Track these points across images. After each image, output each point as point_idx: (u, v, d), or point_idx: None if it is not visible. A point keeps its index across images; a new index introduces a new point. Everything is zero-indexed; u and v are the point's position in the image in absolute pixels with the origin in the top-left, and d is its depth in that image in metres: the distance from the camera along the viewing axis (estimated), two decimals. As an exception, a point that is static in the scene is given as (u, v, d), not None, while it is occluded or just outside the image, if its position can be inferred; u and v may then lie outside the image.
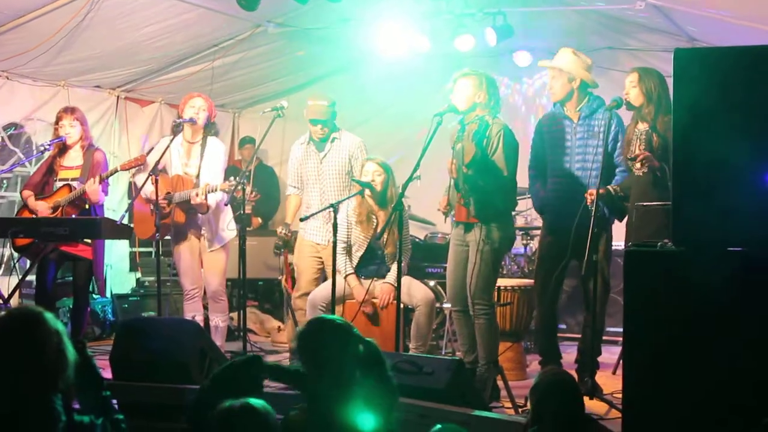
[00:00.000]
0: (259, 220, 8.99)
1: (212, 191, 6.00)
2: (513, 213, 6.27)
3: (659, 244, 3.71)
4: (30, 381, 2.57)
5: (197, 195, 5.98)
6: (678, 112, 3.54)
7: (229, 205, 6.27)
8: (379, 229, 6.03)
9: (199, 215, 6.23)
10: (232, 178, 6.02)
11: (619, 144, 5.58)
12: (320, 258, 6.44)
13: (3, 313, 3.16)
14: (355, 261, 6.19)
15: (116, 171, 6.25)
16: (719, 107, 3.42)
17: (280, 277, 7.90)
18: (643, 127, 5.50)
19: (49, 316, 2.68)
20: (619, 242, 6.86)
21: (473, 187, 5.20)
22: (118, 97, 8.60)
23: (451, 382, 4.04)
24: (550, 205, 5.75)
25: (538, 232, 7.44)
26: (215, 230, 6.30)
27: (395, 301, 5.63)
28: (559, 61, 5.65)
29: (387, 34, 7.67)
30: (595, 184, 5.27)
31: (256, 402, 2.83)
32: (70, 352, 2.70)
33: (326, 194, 6.38)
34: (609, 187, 5.45)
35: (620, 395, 5.01)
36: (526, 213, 7.85)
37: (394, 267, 5.98)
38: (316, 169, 6.45)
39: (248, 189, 5.92)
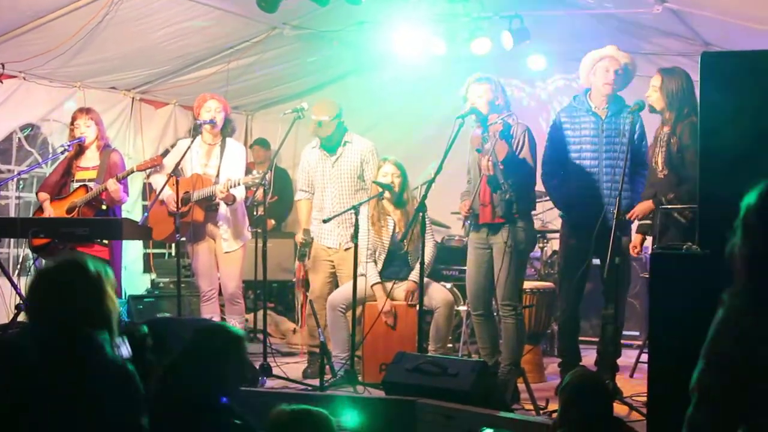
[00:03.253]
0: (273, 222, 8.98)
1: (234, 186, 6.01)
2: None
3: (684, 246, 3.73)
4: (75, 317, 2.72)
5: (220, 191, 5.99)
6: (704, 115, 3.55)
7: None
8: (395, 231, 6.05)
9: (219, 213, 6.24)
10: (255, 172, 6.03)
11: (644, 142, 5.55)
12: (332, 261, 6.42)
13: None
14: (380, 266, 6.18)
15: (132, 171, 6.26)
16: (745, 110, 3.44)
17: (293, 279, 7.90)
18: (666, 130, 5.49)
19: (91, 264, 2.83)
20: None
21: (513, 183, 5.23)
22: (133, 98, 8.59)
23: (476, 384, 4.06)
24: (574, 203, 5.69)
25: (554, 235, 7.45)
26: (234, 229, 6.30)
27: (415, 303, 5.65)
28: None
29: (403, 36, 7.66)
30: (623, 182, 5.32)
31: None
32: (111, 295, 2.84)
33: (337, 198, 6.37)
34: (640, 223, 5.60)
35: (640, 398, 5.05)
36: (542, 215, 7.84)
37: (417, 267, 6.00)
38: (327, 172, 6.43)
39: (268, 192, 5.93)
